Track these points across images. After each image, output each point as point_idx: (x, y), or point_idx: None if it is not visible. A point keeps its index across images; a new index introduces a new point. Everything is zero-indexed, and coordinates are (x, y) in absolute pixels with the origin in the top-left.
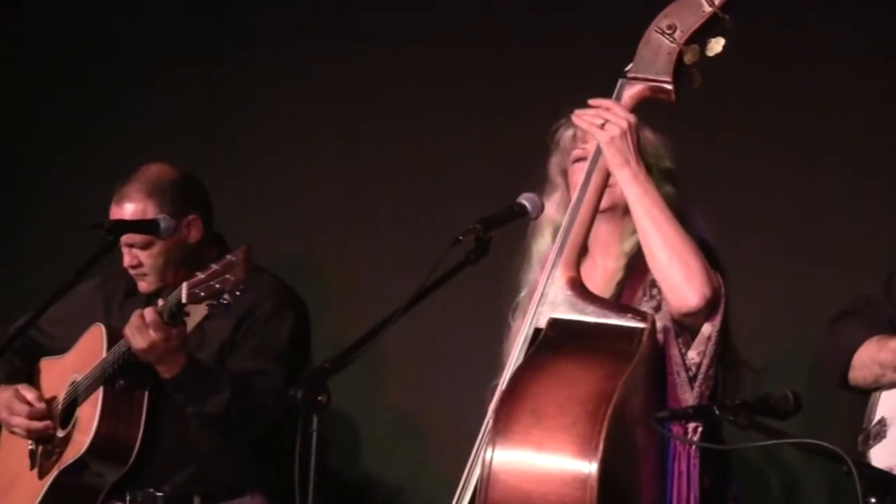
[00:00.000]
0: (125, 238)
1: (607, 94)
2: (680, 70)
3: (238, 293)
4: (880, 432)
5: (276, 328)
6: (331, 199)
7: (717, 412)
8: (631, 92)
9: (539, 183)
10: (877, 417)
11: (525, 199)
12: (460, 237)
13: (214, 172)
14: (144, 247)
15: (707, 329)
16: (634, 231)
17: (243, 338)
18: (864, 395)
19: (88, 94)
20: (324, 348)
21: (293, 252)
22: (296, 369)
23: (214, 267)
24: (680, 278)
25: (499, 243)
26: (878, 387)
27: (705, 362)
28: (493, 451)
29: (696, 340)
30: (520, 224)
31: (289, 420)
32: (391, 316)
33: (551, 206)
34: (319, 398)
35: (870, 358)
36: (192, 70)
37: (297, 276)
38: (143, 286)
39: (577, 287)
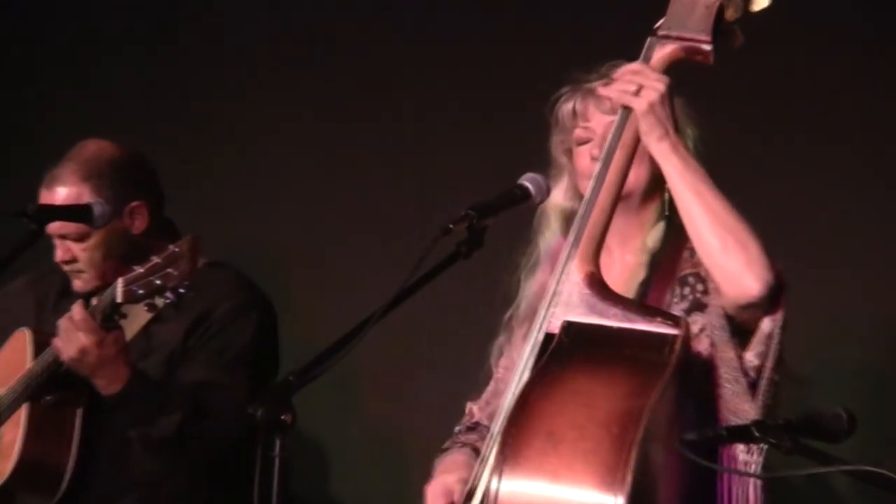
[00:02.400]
0: (56, 228)
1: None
2: (719, 28)
3: (182, 290)
4: None
5: (236, 333)
6: (298, 183)
7: (756, 434)
8: (662, 53)
9: (542, 165)
10: None
11: (527, 181)
12: (450, 226)
13: (163, 155)
14: (79, 238)
15: (768, 325)
16: (657, 220)
17: (198, 344)
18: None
19: (29, 72)
20: (289, 358)
21: (253, 245)
22: (260, 381)
23: (155, 260)
24: (738, 264)
25: (496, 233)
26: None
27: (768, 365)
28: (499, 480)
29: (755, 339)
30: (521, 211)
31: (250, 442)
32: (367, 320)
33: (558, 192)
34: (283, 417)
35: None
36: (143, 43)
37: (257, 273)
38: (79, 284)
39: (597, 285)
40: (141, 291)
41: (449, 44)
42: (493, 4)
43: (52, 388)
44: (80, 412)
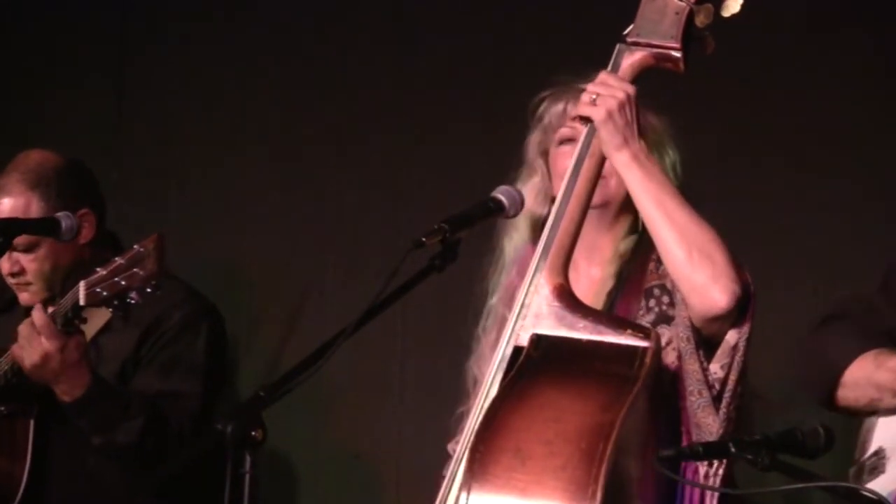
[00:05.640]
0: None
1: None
2: (690, 34)
3: (149, 290)
4: (877, 465)
5: (189, 342)
6: (265, 192)
7: (732, 449)
8: (631, 60)
9: (514, 166)
10: (872, 448)
11: (501, 194)
12: (423, 239)
13: (123, 161)
14: (28, 249)
15: (733, 337)
16: (628, 233)
17: (150, 354)
18: (853, 417)
19: None
20: (257, 374)
21: (217, 256)
22: (213, 391)
23: (118, 260)
24: (704, 277)
25: (469, 246)
26: (873, 411)
27: (732, 377)
28: (467, 497)
29: (720, 352)
30: (495, 224)
31: (216, 459)
32: (339, 335)
33: (528, 195)
34: (253, 434)
35: (864, 377)
36: (100, 46)
37: (222, 286)
38: (26, 297)
39: (566, 297)
40: (105, 293)
41: (419, 55)
42: (468, 15)
43: (3, 400)
44: (32, 423)
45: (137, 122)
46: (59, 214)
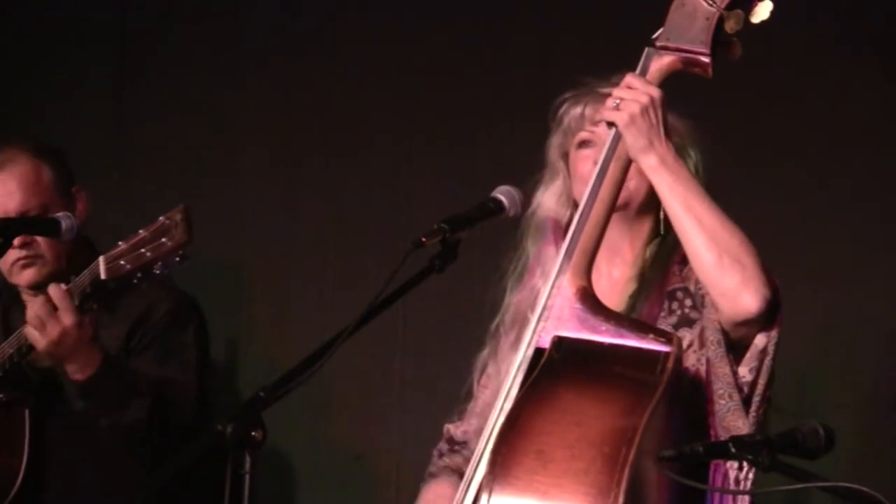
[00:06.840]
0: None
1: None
2: (718, 39)
3: (178, 259)
4: None
5: (177, 334)
6: (265, 192)
7: (733, 450)
8: (659, 64)
9: (518, 178)
10: None
11: (501, 194)
12: (423, 240)
13: (121, 158)
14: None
15: (761, 341)
16: (650, 235)
17: (141, 344)
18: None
19: None
20: (255, 374)
21: (217, 256)
22: (206, 382)
23: (142, 233)
24: (734, 281)
25: (470, 247)
26: None
27: (761, 381)
28: (488, 498)
29: (748, 355)
30: (496, 224)
31: (216, 459)
32: (339, 335)
33: (550, 196)
34: (253, 434)
35: None
36: (100, 42)
37: (222, 286)
38: (30, 275)
39: (589, 300)
40: (129, 266)
41: (420, 55)
42: (469, 15)
43: (1, 388)
44: (28, 412)
45: (137, 122)
46: (59, 215)
